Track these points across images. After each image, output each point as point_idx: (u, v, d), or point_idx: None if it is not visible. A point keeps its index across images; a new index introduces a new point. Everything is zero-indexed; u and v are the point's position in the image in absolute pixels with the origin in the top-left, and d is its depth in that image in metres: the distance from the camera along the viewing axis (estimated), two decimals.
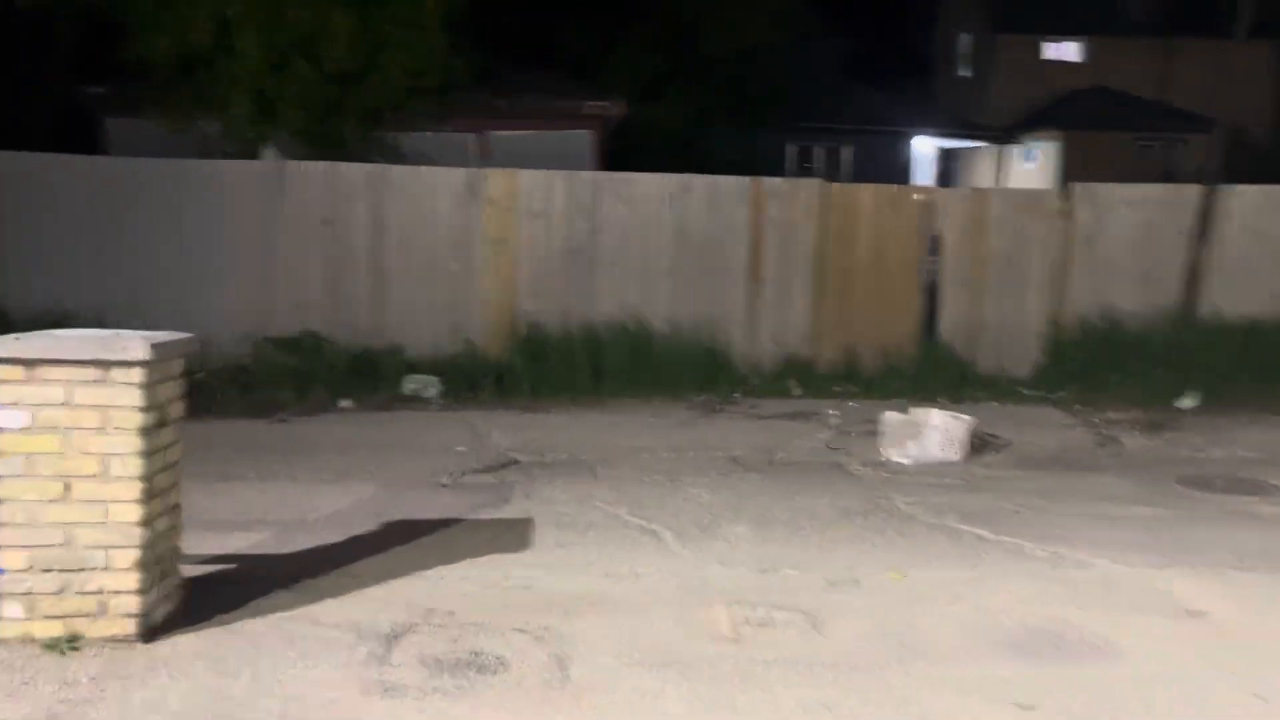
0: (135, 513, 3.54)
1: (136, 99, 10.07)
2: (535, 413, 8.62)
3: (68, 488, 3.50)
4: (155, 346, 3.53)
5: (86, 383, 3.48)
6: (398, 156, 10.22)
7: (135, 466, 3.52)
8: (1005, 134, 24.47)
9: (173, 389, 3.81)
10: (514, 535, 5.27)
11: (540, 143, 11.63)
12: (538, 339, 9.30)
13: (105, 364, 3.48)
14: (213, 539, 5.07)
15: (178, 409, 3.87)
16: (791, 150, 21.83)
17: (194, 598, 4.09)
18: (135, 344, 3.49)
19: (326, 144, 9.97)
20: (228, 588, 4.29)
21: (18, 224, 8.94)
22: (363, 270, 9.38)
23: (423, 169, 9.48)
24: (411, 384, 8.81)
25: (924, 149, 24.11)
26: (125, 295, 9.07)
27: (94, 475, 3.50)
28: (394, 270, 9.41)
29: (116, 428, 3.50)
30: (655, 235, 9.71)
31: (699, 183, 9.80)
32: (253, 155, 9.88)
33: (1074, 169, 22.01)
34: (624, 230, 9.67)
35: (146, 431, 3.55)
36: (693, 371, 9.30)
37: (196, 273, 9.15)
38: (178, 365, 3.86)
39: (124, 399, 3.50)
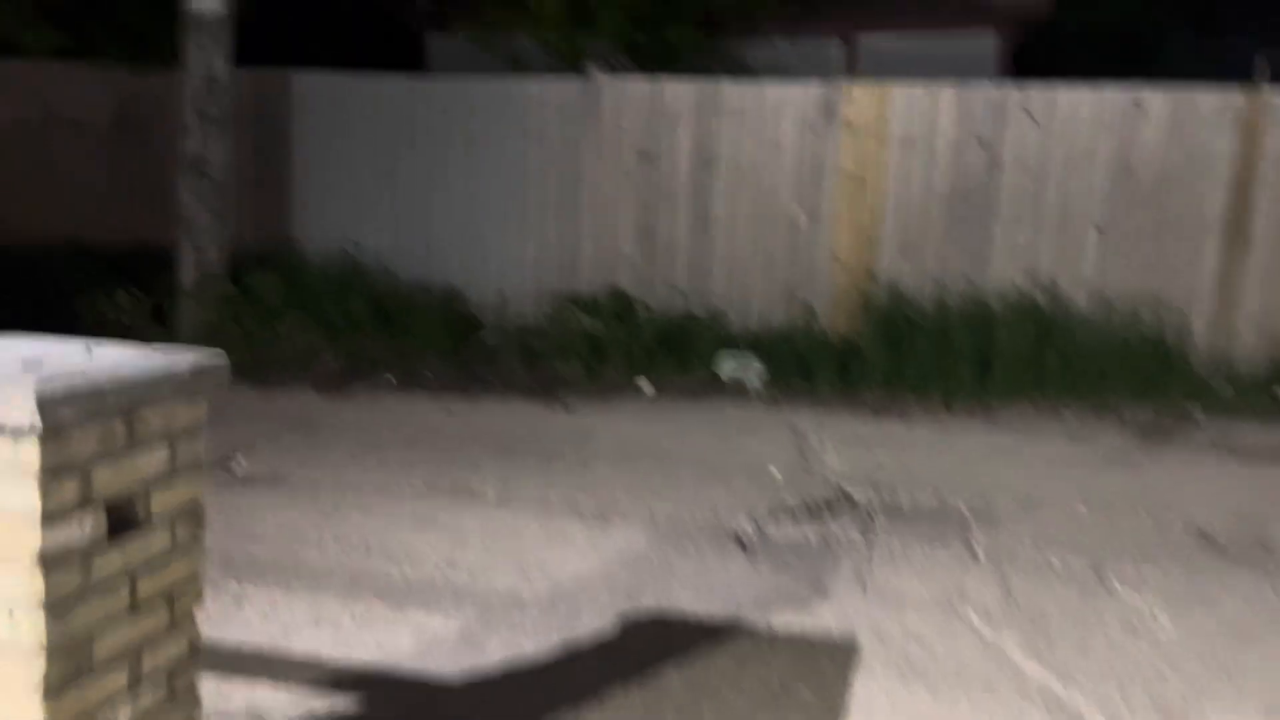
0: (34, 713, 1.82)
1: (456, 11, 8.83)
2: (889, 419, 6.30)
3: None
4: (62, 400, 1.76)
5: None
6: (741, 70, 8.16)
7: (33, 628, 1.80)
8: None
9: (156, 461, 2.04)
10: (820, 685, 3.12)
11: (927, 49, 9.02)
12: (901, 313, 6.91)
13: None
14: (377, 621, 3.44)
15: (179, 494, 2.11)
16: (1259, 63, 16.97)
17: None
18: (18, 392, 1.73)
19: (655, 57, 8.13)
20: None
21: (319, 153, 8.01)
22: (683, 215, 7.48)
23: (765, 85, 7.34)
24: (729, 365, 6.82)
25: None
26: (419, 236, 7.89)
27: None
28: (720, 216, 7.42)
29: None
30: (1084, 173, 6.88)
31: (1157, 100, 6.79)
32: (574, 72, 8.26)
33: None
34: (1037, 165, 6.95)
35: (57, 561, 1.81)
36: (1128, 371, 6.47)
37: (494, 213, 7.74)
38: (177, 413, 2.09)
39: (6, 497, 1.77)
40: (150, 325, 7.12)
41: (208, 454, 2.21)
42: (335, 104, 7.95)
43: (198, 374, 2.09)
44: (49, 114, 8.39)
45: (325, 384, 6.68)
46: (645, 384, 6.73)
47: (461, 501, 4.70)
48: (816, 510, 4.74)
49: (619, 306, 7.30)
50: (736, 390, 6.74)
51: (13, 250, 8.18)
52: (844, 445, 5.72)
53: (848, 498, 4.92)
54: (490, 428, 5.95)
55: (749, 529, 4.47)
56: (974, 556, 4.25)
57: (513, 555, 4.09)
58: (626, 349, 6.91)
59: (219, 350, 2.17)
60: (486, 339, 7.40)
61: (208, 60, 7.04)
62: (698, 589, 3.82)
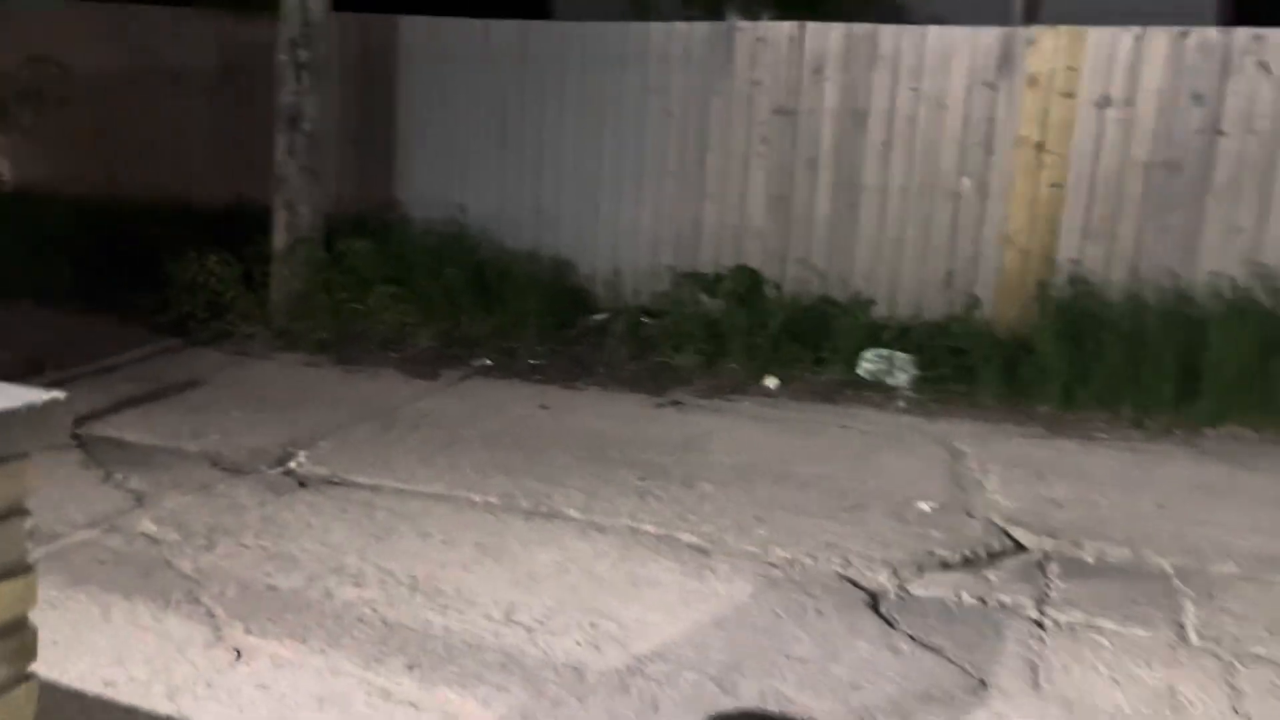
0: None
1: None
2: (1067, 438, 5.19)
3: None
4: None
5: None
6: (899, 15, 7.06)
7: None
8: None
9: None
10: None
11: None
12: (1085, 307, 5.74)
13: None
14: (397, 702, 2.70)
15: None
16: None
17: None
18: None
19: (802, 2, 7.11)
20: None
21: (426, 106, 7.33)
22: (825, 183, 6.48)
23: (929, 30, 6.24)
24: (871, 363, 5.82)
25: None
26: (527, 200, 7.15)
27: None
28: (870, 185, 6.38)
29: None
30: None
31: None
32: (715, 17, 7.32)
33: None
34: (1269, 130, 5.64)
35: None
36: None
37: (609, 176, 6.92)
38: None
39: None
40: (240, 292, 6.63)
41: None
42: (444, 53, 7.24)
43: (2, 428, 1.33)
44: (155, 64, 8.01)
45: (413, 366, 6.03)
46: (771, 380, 5.81)
47: (537, 525, 3.93)
48: (975, 561, 3.76)
49: (745, 286, 6.38)
50: (881, 393, 5.74)
51: (115, 208, 7.85)
52: (1011, 471, 4.68)
53: (1015, 546, 3.91)
54: (587, 426, 5.16)
55: (887, 585, 3.54)
56: (1185, 642, 3.22)
57: (586, 605, 3.29)
58: (751, 337, 5.99)
59: (55, 395, 1.39)
60: (594, 319, 6.61)
61: (303, 3, 6.42)
62: (814, 674, 2.94)
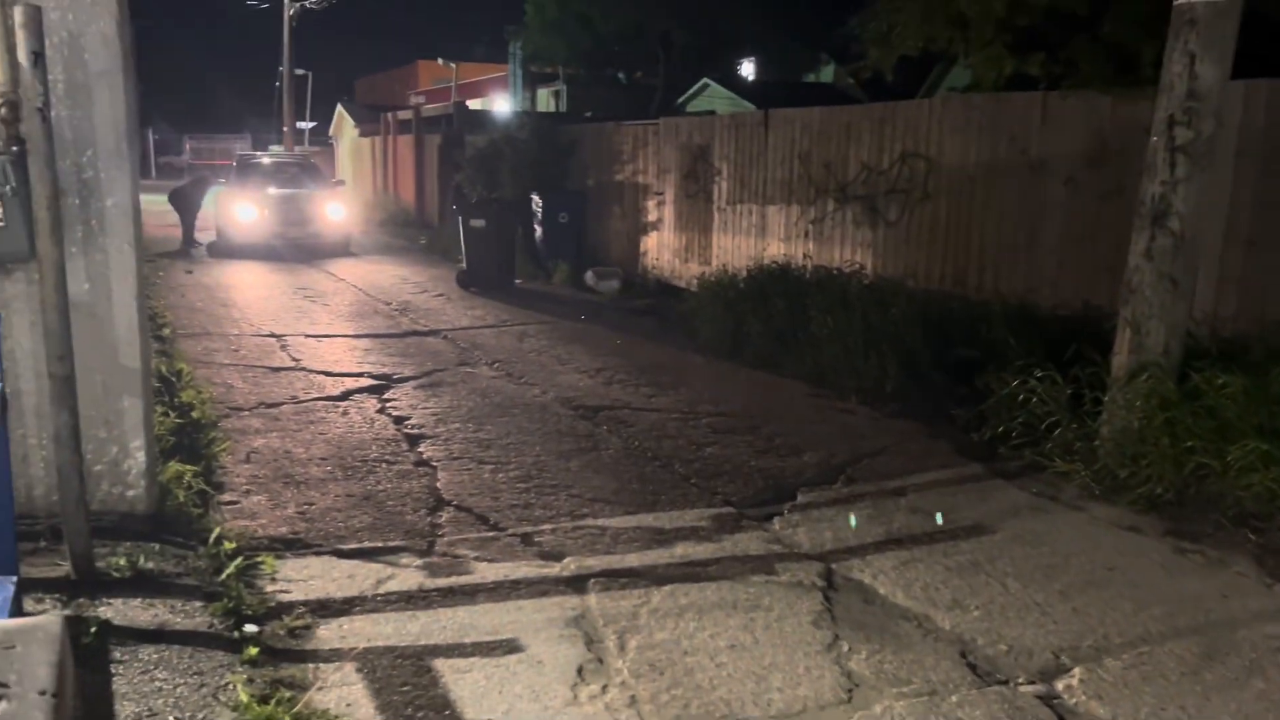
0: None
1: None
2: None
3: None
4: None
5: None
6: None
7: None
8: None
9: None
10: None
11: None
12: None
13: None
14: None
15: None
16: None
17: None
18: None
19: None
20: None
21: None
22: None
23: None
24: None
25: None
26: None
27: None
28: None
29: None
30: None
31: None
32: None
33: None
34: None
35: None
36: None
37: None
38: None
39: None
40: (1063, 419, 5.54)
41: None
42: None
43: None
44: (1018, 155, 7.34)
45: (1278, 559, 4.23)
46: None
47: None
48: None
49: None
50: None
51: (955, 306, 7.38)
52: None
53: None
54: None
55: None
56: None
57: None
58: None
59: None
60: None
61: (1190, 70, 5.09)
62: None
